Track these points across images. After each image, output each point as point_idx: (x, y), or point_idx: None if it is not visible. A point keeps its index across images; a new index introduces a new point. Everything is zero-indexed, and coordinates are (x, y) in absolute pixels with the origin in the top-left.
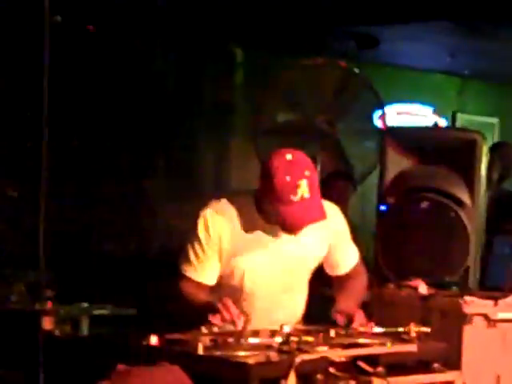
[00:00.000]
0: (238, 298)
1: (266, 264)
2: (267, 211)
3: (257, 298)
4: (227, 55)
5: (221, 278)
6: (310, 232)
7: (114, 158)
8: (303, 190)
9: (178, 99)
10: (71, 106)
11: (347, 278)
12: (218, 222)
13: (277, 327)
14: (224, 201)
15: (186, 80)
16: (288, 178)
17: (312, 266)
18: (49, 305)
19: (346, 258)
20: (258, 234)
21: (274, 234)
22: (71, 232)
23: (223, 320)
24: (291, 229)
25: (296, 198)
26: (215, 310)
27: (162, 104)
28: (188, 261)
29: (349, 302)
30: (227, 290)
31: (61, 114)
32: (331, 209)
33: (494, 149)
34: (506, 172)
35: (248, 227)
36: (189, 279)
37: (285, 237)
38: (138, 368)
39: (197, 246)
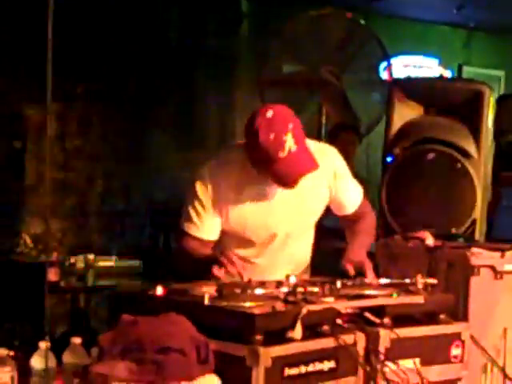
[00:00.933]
0: (242, 248)
1: (266, 214)
2: (260, 169)
3: (260, 245)
4: (232, 5)
5: (223, 230)
6: (308, 177)
7: (117, 109)
8: (289, 143)
9: (183, 50)
10: (76, 59)
11: (355, 218)
12: (216, 180)
13: (282, 278)
14: (218, 158)
15: (190, 31)
16: (272, 136)
17: (315, 211)
18: (54, 256)
19: (350, 197)
20: (255, 186)
21: (270, 185)
22: (75, 183)
23: (228, 273)
24: (285, 185)
25: (283, 154)
26: (219, 264)
27: (166, 55)
28: (189, 219)
29: (358, 251)
30: (231, 239)
31: (66, 65)
32: (328, 150)
33: (499, 101)
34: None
35: (244, 181)
36: (192, 237)
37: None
38: (144, 318)
39: (196, 204)
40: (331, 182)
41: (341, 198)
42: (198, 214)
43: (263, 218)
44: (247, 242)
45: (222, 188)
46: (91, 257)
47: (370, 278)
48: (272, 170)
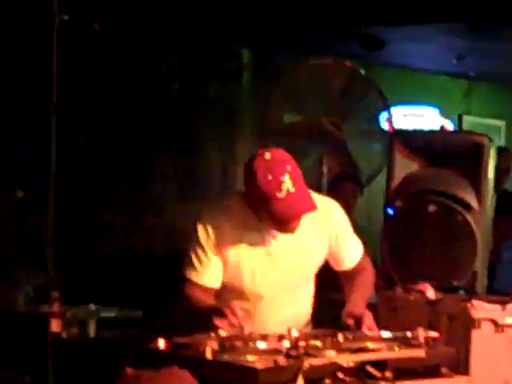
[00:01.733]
0: (242, 300)
1: (265, 263)
2: (260, 213)
3: (260, 298)
4: (234, 55)
5: (223, 282)
6: (308, 228)
7: (119, 158)
8: (287, 184)
9: (185, 100)
10: (78, 107)
11: (354, 273)
12: (216, 225)
13: (284, 331)
14: (219, 205)
15: (192, 81)
16: (270, 177)
17: (314, 263)
18: (56, 307)
19: (350, 251)
20: (255, 234)
21: (270, 233)
22: (78, 234)
23: (230, 325)
24: (284, 225)
25: (282, 195)
26: (221, 315)
27: (168, 105)
28: (191, 265)
29: (358, 303)
30: (231, 292)
31: (68, 113)
32: (329, 204)
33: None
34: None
35: (244, 228)
36: (194, 284)
37: (283, 236)
38: (147, 372)
39: (199, 250)
40: (332, 236)
41: (341, 252)
42: (199, 259)
43: (261, 267)
44: (244, 294)
45: (222, 232)
46: (93, 307)
47: (370, 327)
48: (270, 210)
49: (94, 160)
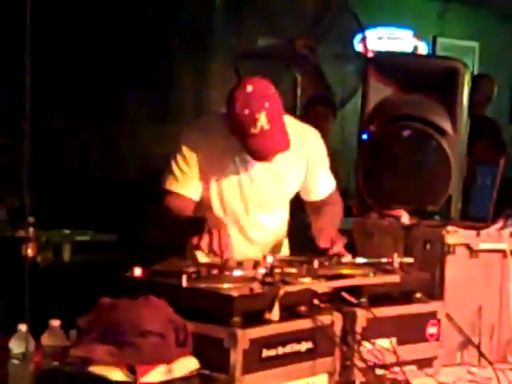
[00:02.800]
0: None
1: (243, 182)
2: (238, 139)
3: (235, 216)
4: None
5: (202, 197)
6: (287, 153)
7: (93, 81)
8: (262, 122)
9: (157, 22)
10: (52, 32)
11: (322, 204)
12: (200, 139)
13: (259, 257)
14: (204, 119)
15: (165, 5)
16: (246, 112)
17: (291, 188)
18: (31, 231)
19: (322, 184)
20: (235, 154)
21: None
22: (50, 158)
23: (210, 249)
24: (256, 159)
25: (256, 131)
26: (201, 229)
27: (141, 27)
28: (173, 175)
29: (328, 224)
30: (206, 209)
31: (42, 38)
32: (311, 133)
33: (474, 80)
34: (487, 102)
35: (225, 147)
36: (174, 194)
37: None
38: (123, 301)
39: (180, 161)
40: (309, 163)
41: (314, 181)
42: (181, 170)
43: (240, 186)
44: (219, 213)
45: (204, 149)
46: (67, 231)
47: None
48: (244, 143)
49: (68, 84)
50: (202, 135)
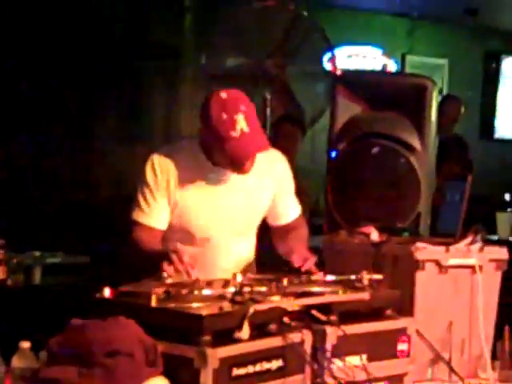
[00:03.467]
0: (189, 243)
1: (214, 207)
2: (213, 154)
3: (206, 241)
4: None
5: (170, 223)
6: (257, 176)
7: (62, 102)
8: (241, 124)
9: (127, 44)
10: (20, 55)
11: (289, 228)
12: (166, 165)
13: (229, 277)
14: (170, 146)
15: (134, 24)
16: (224, 116)
17: (259, 212)
18: (1, 253)
19: (290, 207)
20: (206, 176)
21: (222, 177)
22: (20, 180)
23: (176, 270)
24: (238, 164)
25: (236, 134)
26: (168, 259)
27: (110, 48)
28: (138, 206)
29: (298, 244)
30: (178, 234)
31: (7, 55)
32: (277, 157)
33: (441, 102)
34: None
35: (195, 170)
36: (140, 224)
37: (233, 180)
38: (92, 322)
39: (145, 191)
40: (277, 186)
41: (282, 205)
42: (146, 200)
43: (209, 210)
44: (191, 237)
45: (171, 172)
46: (38, 253)
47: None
48: (224, 149)
49: (36, 104)
50: (168, 161)
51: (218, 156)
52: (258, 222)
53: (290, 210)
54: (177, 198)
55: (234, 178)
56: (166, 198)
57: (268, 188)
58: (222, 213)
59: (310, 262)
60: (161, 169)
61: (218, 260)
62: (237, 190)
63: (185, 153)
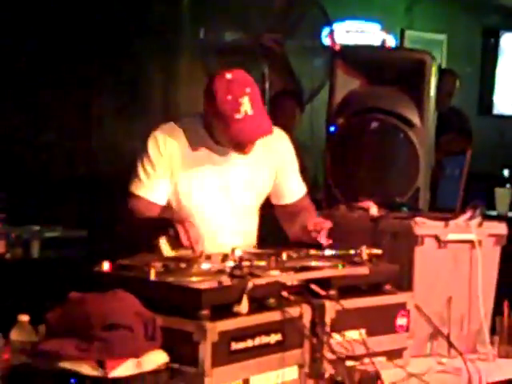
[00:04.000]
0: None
1: (215, 184)
2: (216, 133)
3: (205, 219)
4: None
5: (170, 200)
6: (259, 156)
7: (61, 77)
8: (246, 107)
9: (124, 20)
10: (16, 23)
11: (295, 209)
12: (169, 141)
13: (228, 251)
14: (174, 122)
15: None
16: (229, 97)
17: (261, 191)
18: None
19: (293, 186)
20: (208, 154)
21: (224, 155)
22: (20, 154)
23: (180, 243)
24: (240, 146)
25: (240, 116)
26: (167, 226)
27: (109, 23)
28: (138, 179)
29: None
30: (179, 212)
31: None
32: (280, 136)
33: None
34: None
35: (198, 147)
36: (139, 198)
37: (234, 158)
38: (91, 295)
39: (147, 165)
40: (279, 165)
41: (285, 184)
42: (146, 173)
43: (211, 186)
44: (191, 216)
45: (173, 151)
46: (36, 227)
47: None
48: (228, 131)
49: (34, 77)
50: (171, 138)
51: (221, 136)
52: (260, 200)
53: (294, 189)
54: (179, 175)
55: (235, 156)
56: (168, 175)
57: (270, 166)
58: (223, 191)
59: (327, 226)
60: (164, 144)
61: (219, 239)
62: (239, 169)
63: (188, 131)
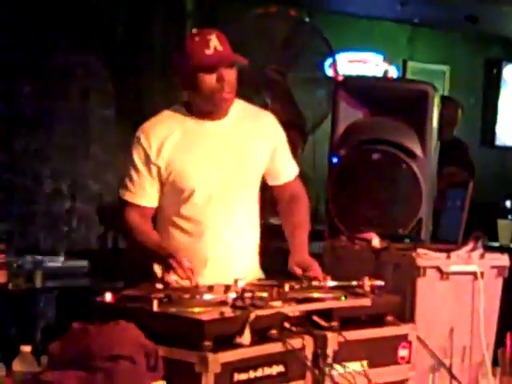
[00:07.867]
0: (191, 206)
1: (210, 162)
2: (195, 101)
3: (209, 198)
4: (177, 4)
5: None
6: (246, 133)
7: (62, 110)
8: (214, 42)
9: (128, 49)
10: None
11: (291, 195)
12: (151, 137)
13: (232, 246)
14: (153, 118)
15: (136, 29)
16: (197, 38)
17: (254, 167)
18: (2, 257)
19: (287, 165)
20: (195, 135)
21: (209, 131)
22: (18, 184)
23: (177, 276)
24: (219, 98)
25: (210, 51)
26: (168, 266)
27: (111, 52)
28: (126, 187)
29: (303, 249)
30: (179, 199)
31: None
32: (269, 116)
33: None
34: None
35: (184, 131)
36: (129, 204)
37: (221, 135)
38: (94, 326)
39: (132, 171)
40: (272, 145)
41: (279, 163)
42: (132, 180)
43: (206, 166)
44: (193, 198)
45: (160, 140)
46: (39, 258)
47: (318, 276)
48: (201, 71)
49: (37, 110)
50: (153, 130)
51: (200, 94)
52: (255, 179)
53: (288, 167)
54: (172, 162)
55: (221, 132)
56: (155, 172)
57: (260, 143)
58: (219, 168)
59: (316, 268)
60: (147, 141)
61: (224, 220)
62: (226, 145)
63: (167, 117)
